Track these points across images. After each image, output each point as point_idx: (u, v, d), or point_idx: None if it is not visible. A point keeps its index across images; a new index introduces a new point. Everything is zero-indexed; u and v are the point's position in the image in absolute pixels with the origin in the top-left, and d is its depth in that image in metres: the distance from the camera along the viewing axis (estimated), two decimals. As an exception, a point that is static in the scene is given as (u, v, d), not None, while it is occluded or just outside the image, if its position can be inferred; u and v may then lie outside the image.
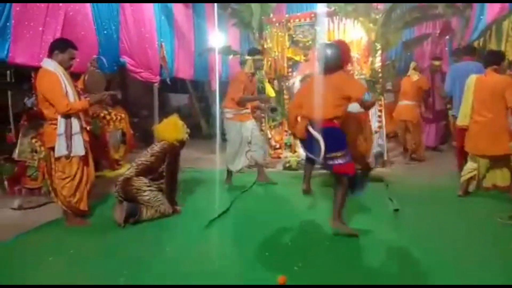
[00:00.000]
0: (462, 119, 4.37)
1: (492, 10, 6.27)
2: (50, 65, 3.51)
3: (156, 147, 3.98)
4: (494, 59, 4.29)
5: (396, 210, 3.90)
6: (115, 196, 3.84)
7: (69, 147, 3.52)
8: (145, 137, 6.72)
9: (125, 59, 6.14)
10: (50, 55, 3.56)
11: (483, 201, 4.20)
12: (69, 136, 3.51)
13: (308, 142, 3.37)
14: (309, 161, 3.61)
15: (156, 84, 6.93)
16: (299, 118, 3.48)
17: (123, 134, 6.02)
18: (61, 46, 3.58)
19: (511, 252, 2.88)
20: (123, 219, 3.63)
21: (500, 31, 5.44)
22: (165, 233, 3.55)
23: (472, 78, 4.29)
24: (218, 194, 4.88)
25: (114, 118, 5.78)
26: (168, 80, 7.03)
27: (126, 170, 3.93)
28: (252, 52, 5.16)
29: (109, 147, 5.66)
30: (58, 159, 3.55)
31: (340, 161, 3.19)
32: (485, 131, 4.13)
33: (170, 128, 4.07)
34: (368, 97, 3.27)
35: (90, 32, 5.37)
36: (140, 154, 4.04)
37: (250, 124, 5.13)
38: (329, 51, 3.32)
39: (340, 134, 3.28)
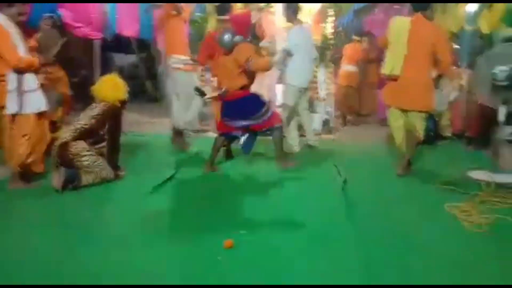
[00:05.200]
0: (391, 66, 3.84)
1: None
2: None
3: (96, 109, 3.72)
4: (423, 2, 3.87)
5: (344, 182, 3.79)
6: (52, 162, 3.59)
7: (20, 104, 3.37)
8: (84, 99, 6.31)
9: (62, 12, 5.62)
10: None
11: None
12: (21, 92, 3.37)
13: (232, 109, 3.97)
14: (224, 135, 4.18)
15: (97, 42, 6.46)
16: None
17: (61, 95, 5.60)
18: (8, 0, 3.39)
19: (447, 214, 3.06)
20: (61, 184, 3.43)
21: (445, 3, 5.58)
22: (105, 198, 3.42)
23: (404, 21, 3.83)
24: (163, 159, 4.74)
25: (51, 77, 5.34)
26: (107, 38, 6.58)
27: (63, 133, 3.67)
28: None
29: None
30: (14, 116, 3.39)
31: (264, 117, 3.94)
32: (417, 82, 3.77)
33: (109, 87, 3.77)
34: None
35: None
36: (78, 117, 3.78)
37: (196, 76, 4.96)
38: (225, 36, 3.90)
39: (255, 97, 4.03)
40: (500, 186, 3.47)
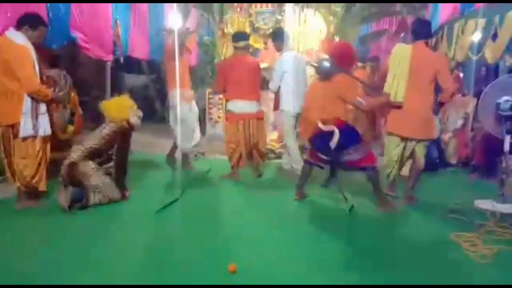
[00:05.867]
0: (393, 93, 3.81)
1: (445, 12, 6.55)
2: (19, 38, 3.34)
3: (105, 129, 3.80)
4: (424, 31, 3.88)
5: (351, 209, 3.72)
6: (59, 181, 3.64)
7: (35, 127, 3.42)
8: (96, 118, 6.43)
9: (76, 34, 5.78)
10: (19, 27, 3.38)
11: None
12: (35, 115, 3.41)
13: (320, 140, 3.67)
14: (310, 163, 3.95)
15: (108, 63, 6.62)
16: None
17: (72, 114, 5.71)
18: (33, 22, 3.43)
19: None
20: (67, 204, 3.47)
21: (450, 33, 5.67)
22: (112, 219, 3.43)
23: (406, 49, 3.82)
24: (170, 180, 4.78)
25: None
26: (121, 59, 6.74)
27: (72, 153, 3.73)
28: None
29: (55, 127, 5.33)
30: (20, 137, 3.41)
31: (354, 156, 3.60)
32: (418, 111, 3.77)
33: (117, 107, 3.86)
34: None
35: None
36: (88, 136, 3.86)
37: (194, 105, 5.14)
38: (324, 64, 3.79)
39: (350, 130, 3.67)
40: (505, 216, 3.46)
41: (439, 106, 4.27)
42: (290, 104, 4.80)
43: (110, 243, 2.94)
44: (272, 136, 6.19)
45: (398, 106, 3.82)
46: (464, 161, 5.58)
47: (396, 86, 3.81)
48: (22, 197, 3.58)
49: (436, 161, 5.45)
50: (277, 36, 4.96)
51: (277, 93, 4.94)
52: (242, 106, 4.69)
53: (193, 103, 5.15)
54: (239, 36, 4.87)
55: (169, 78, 4.92)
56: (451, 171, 5.57)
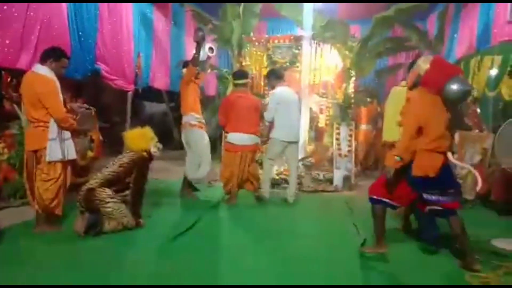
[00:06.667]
0: (391, 133, 4.06)
1: (460, 48, 6.61)
2: (46, 71, 3.57)
3: (124, 158, 3.90)
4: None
5: (363, 243, 3.63)
6: (77, 206, 3.73)
7: (63, 151, 3.58)
8: (115, 145, 6.60)
9: (100, 65, 6.04)
10: (44, 62, 3.60)
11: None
12: (62, 140, 3.58)
13: (438, 180, 3.04)
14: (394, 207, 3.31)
15: (129, 93, 6.85)
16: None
17: (92, 140, 5.88)
18: (56, 55, 3.64)
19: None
20: (83, 229, 3.54)
21: (467, 68, 5.71)
22: (125, 246, 3.47)
23: (402, 91, 3.91)
24: (183, 209, 4.82)
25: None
26: (140, 89, 6.98)
27: (90, 179, 3.84)
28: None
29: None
30: (42, 162, 3.55)
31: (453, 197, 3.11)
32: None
33: (138, 137, 4.00)
34: None
35: (65, 36, 5.26)
36: (107, 163, 3.96)
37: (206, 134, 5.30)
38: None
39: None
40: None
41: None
42: (283, 133, 5.15)
43: (123, 269, 2.97)
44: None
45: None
46: (483, 197, 5.46)
47: (393, 127, 3.93)
48: (41, 221, 3.67)
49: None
50: (271, 75, 5.40)
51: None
52: (240, 138, 5.03)
53: (204, 132, 5.28)
54: (239, 74, 5.39)
55: (184, 103, 5.18)
56: (468, 207, 5.45)
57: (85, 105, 4.68)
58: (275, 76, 5.37)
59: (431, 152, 3.04)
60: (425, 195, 3.15)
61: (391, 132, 4.17)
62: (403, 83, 4.39)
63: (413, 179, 3.11)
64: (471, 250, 3.17)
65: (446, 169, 3.07)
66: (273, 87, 5.35)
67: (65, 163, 3.68)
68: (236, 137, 5.06)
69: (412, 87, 3.30)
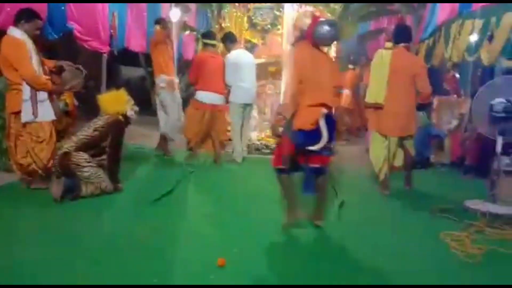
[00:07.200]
0: (375, 96, 4.22)
1: (443, 12, 6.55)
2: (16, 33, 3.58)
3: (99, 121, 3.79)
4: (404, 35, 4.20)
5: (341, 205, 3.70)
6: (52, 171, 3.64)
7: (35, 112, 3.62)
8: (91, 109, 6.40)
9: (72, 25, 5.74)
10: (16, 24, 3.61)
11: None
12: (35, 101, 3.62)
13: (310, 134, 2.91)
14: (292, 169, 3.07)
15: (105, 55, 6.58)
16: None
17: (66, 105, 5.68)
18: (27, 17, 3.64)
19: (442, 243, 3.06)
20: (60, 194, 3.46)
21: (448, 33, 5.68)
22: (103, 210, 3.43)
23: (387, 54, 4.18)
24: (163, 173, 4.78)
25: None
26: (115, 51, 6.72)
27: (65, 143, 3.73)
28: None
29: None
30: (28, 124, 3.64)
31: (328, 152, 2.99)
32: (400, 110, 4.06)
33: (113, 100, 3.93)
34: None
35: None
36: (82, 127, 3.85)
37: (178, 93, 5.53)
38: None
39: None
40: (496, 216, 3.48)
41: (419, 107, 4.48)
42: (239, 96, 5.28)
43: (102, 234, 2.94)
44: (267, 131, 6.20)
45: (380, 108, 4.19)
46: (458, 161, 5.62)
47: (376, 89, 4.19)
48: (37, 179, 3.79)
49: (428, 159, 5.53)
50: (226, 39, 5.47)
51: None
52: (210, 97, 5.15)
53: (177, 92, 5.50)
54: (208, 34, 5.55)
55: (155, 65, 5.33)
56: (444, 170, 5.61)
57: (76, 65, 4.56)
58: (230, 40, 5.45)
59: (310, 107, 2.92)
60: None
61: (375, 94, 4.28)
62: (388, 44, 4.39)
63: (293, 133, 2.94)
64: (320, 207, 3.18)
65: (328, 122, 2.91)
66: (229, 51, 5.42)
67: (51, 123, 3.76)
68: (205, 96, 5.14)
69: (296, 41, 3.20)
